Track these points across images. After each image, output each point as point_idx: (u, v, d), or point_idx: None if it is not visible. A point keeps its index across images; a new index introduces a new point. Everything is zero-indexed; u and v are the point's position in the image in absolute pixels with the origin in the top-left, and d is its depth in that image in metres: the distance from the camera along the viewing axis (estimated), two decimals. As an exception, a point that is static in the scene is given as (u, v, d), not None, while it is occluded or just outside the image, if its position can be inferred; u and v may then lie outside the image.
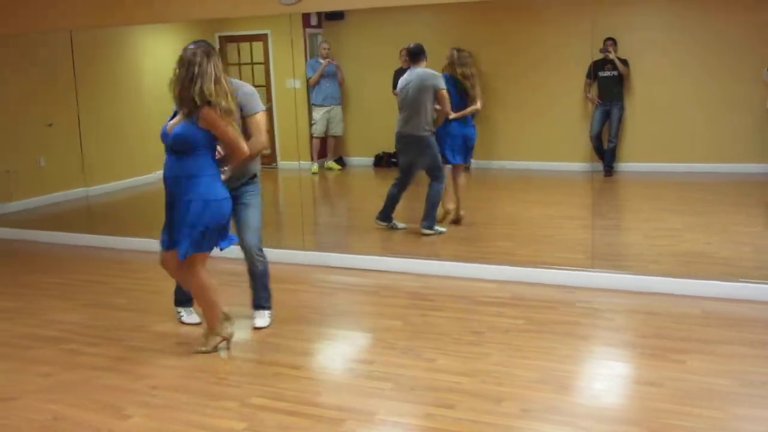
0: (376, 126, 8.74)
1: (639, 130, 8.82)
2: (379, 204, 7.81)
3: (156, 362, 4.83)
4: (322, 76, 9.64)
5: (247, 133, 5.00)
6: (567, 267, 6.12)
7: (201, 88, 4.57)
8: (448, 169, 7.76)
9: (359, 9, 7.27)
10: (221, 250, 4.93)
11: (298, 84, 9.10)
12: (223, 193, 4.74)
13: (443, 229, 7.59)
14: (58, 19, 7.80)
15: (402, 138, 7.53)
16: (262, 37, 10.25)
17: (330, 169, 10.11)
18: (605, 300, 5.68)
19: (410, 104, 7.38)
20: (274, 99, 10.26)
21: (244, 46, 10.58)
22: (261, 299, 5.46)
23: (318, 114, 9.77)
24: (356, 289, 6.37)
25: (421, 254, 6.88)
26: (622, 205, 8.81)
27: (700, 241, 7.03)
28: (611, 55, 8.51)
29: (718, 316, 5.29)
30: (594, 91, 8.90)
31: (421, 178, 7.67)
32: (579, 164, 8.93)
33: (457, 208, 7.89)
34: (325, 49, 9.65)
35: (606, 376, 4.45)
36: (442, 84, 7.37)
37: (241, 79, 10.46)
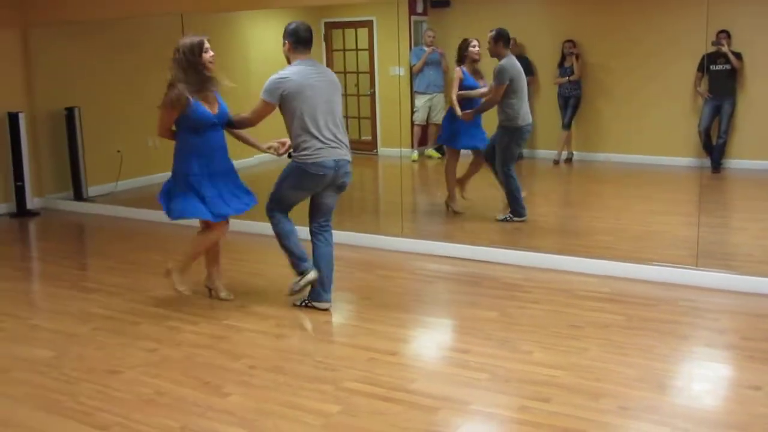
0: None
1: (750, 126, 8.55)
2: (478, 193, 7.79)
3: (255, 342, 4.92)
4: (426, 63, 9.63)
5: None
6: (671, 264, 5.98)
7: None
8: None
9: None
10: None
11: (402, 71, 9.10)
12: None
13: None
14: (170, 3, 7.99)
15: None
16: (368, 24, 10.30)
17: (430, 157, 10.11)
18: (709, 300, 5.53)
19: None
20: (377, 86, 10.31)
21: (349, 32, 10.65)
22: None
23: (420, 101, 9.77)
24: (454, 278, 6.36)
25: (521, 245, 6.82)
26: (730, 203, 8.55)
27: (813, 242, 6.78)
28: (724, 48, 8.26)
29: (830, 320, 5.09)
30: (705, 85, 8.66)
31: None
32: (686, 159, 8.71)
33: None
34: (430, 36, 9.64)
35: (707, 378, 4.34)
36: None
37: (344, 65, 10.65)
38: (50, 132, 9.51)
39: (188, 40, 5.21)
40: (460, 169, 7.96)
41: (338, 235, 7.11)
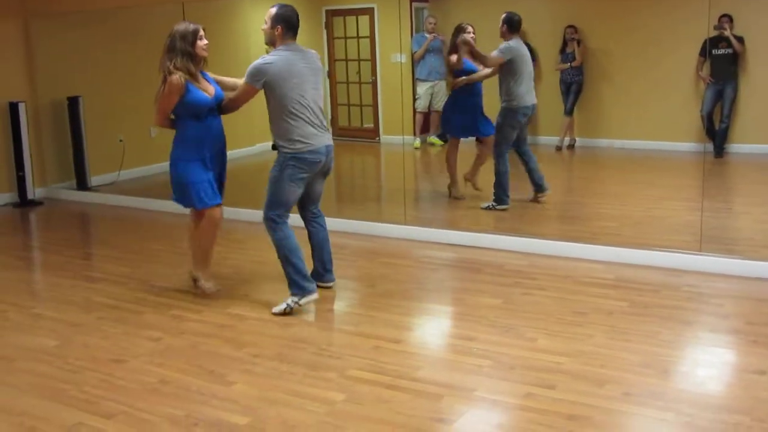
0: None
1: (753, 110, 8.54)
2: (482, 179, 7.79)
3: (258, 331, 4.92)
4: (427, 51, 9.61)
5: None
6: (674, 250, 5.97)
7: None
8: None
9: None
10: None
11: (404, 59, 9.09)
12: None
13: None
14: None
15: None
16: (369, 11, 10.28)
17: (432, 144, 10.10)
18: (713, 285, 5.52)
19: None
20: (379, 73, 10.30)
21: (351, 19, 10.64)
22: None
23: (422, 89, 9.76)
24: (458, 265, 6.35)
25: (524, 232, 6.81)
26: (732, 188, 8.54)
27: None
28: (726, 33, 8.23)
29: (834, 305, 5.09)
30: (707, 70, 8.63)
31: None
32: (689, 144, 8.70)
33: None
34: (431, 23, 9.61)
35: (711, 363, 4.33)
36: None
37: (346, 53, 10.62)
38: (52, 121, 9.50)
39: (183, 26, 5.18)
40: (466, 161, 7.93)
41: (341, 223, 7.18)
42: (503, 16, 7.34)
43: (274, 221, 5.17)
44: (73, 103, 9.31)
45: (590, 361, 4.28)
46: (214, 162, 5.35)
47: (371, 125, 10.64)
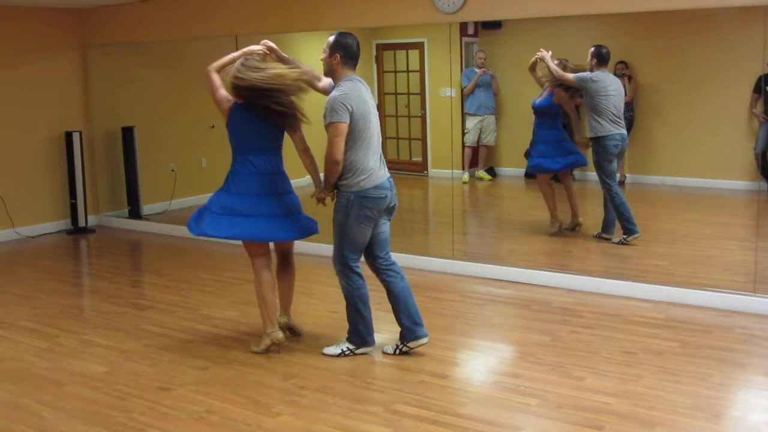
0: (529, 137, 8.62)
1: (809, 149, 8.39)
2: (530, 215, 7.75)
3: (305, 362, 4.92)
4: (476, 85, 9.62)
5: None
6: (726, 290, 5.87)
7: None
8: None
9: (517, 19, 7.22)
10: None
11: (453, 93, 9.10)
12: None
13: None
14: (224, 26, 8.10)
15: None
16: (418, 46, 10.33)
17: (481, 178, 10.07)
18: (767, 327, 5.41)
19: None
20: (428, 107, 10.32)
21: (400, 53, 10.69)
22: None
23: (471, 123, 9.75)
24: (505, 301, 6.31)
25: (573, 269, 6.75)
26: (787, 228, 8.38)
27: None
28: (781, 70, 8.12)
29: None
30: (760, 107, 8.51)
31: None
32: (742, 182, 8.56)
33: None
34: (480, 58, 9.63)
35: (765, 408, 4.24)
36: None
37: (395, 86, 10.67)
38: (106, 151, 9.68)
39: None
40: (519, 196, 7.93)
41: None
42: (591, 49, 7.57)
43: (348, 268, 4.90)
44: (127, 132, 9.47)
45: (639, 402, 4.21)
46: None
47: (419, 159, 10.65)
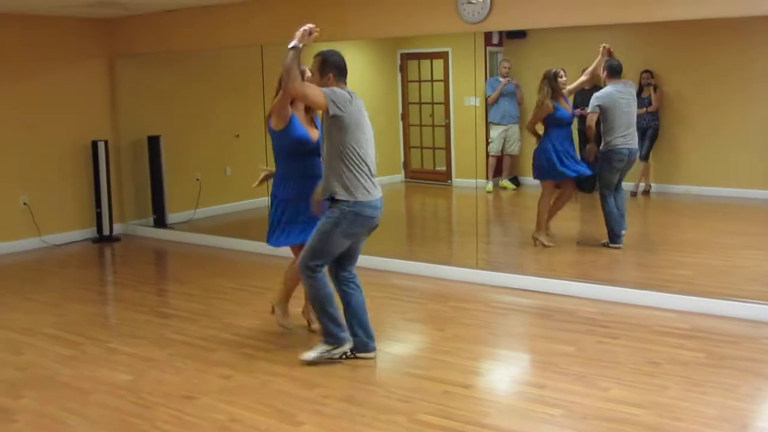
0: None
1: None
2: (553, 224, 7.73)
3: (328, 372, 4.92)
4: (501, 94, 9.63)
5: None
6: (753, 300, 5.81)
7: None
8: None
9: (541, 28, 7.21)
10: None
11: (477, 102, 9.10)
12: None
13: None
14: (251, 35, 8.14)
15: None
16: (443, 55, 10.35)
17: (504, 187, 10.07)
18: (794, 338, 5.36)
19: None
20: (452, 116, 10.34)
21: (425, 63, 10.71)
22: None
23: (495, 132, 9.76)
24: (529, 310, 6.29)
25: (597, 279, 6.72)
26: (815, 238, 8.31)
27: None
28: (810, 79, 8.07)
29: None
30: (788, 117, 8.46)
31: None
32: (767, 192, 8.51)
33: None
34: (505, 68, 9.64)
35: (794, 420, 4.20)
36: None
37: (420, 95, 10.70)
38: (132, 160, 9.75)
39: None
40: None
41: (411, 266, 7.21)
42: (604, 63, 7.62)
43: (312, 270, 4.87)
44: (153, 141, 9.53)
45: (665, 413, 4.18)
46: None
47: (443, 168, 10.67)
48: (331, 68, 4.84)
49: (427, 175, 10.96)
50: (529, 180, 9.55)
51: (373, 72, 10.36)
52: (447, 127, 10.47)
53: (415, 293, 6.71)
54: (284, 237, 5.33)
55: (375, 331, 5.18)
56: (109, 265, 8.59)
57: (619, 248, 7.56)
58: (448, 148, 10.51)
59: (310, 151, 5.22)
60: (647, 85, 8.85)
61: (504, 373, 5.04)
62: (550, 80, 7.54)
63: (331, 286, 5.01)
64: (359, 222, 4.82)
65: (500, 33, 9.44)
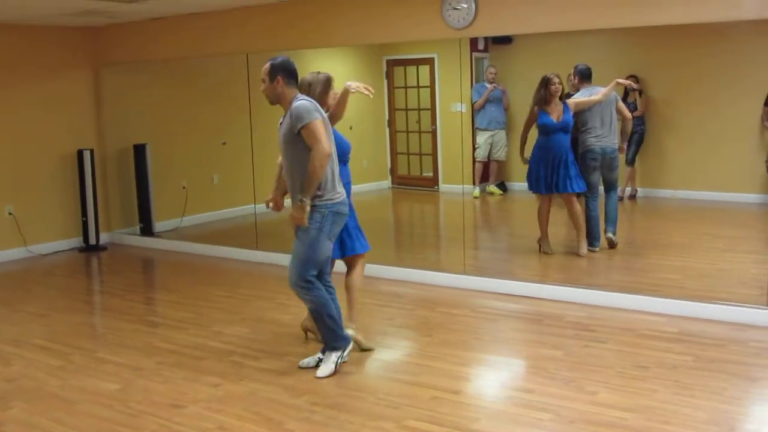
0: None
1: (820, 161, 8.37)
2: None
3: (317, 379, 4.91)
4: (487, 100, 9.63)
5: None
6: (740, 303, 5.84)
7: None
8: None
9: (527, 33, 7.22)
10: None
11: (464, 108, 9.11)
12: None
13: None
14: (236, 44, 8.14)
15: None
16: (429, 61, 10.35)
17: (491, 193, 10.07)
18: (781, 340, 5.39)
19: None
20: (439, 122, 10.33)
21: (411, 69, 10.72)
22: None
23: (482, 138, 9.76)
24: (517, 316, 6.29)
25: (585, 283, 6.73)
26: (801, 240, 8.35)
27: None
28: (793, 82, 8.11)
29: None
30: (772, 120, 8.50)
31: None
32: (754, 195, 8.55)
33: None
34: (491, 73, 9.65)
35: (781, 422, 4.22)
36: None
37: (406, 102, 10.69)
38: (118, 169, 9.72)
39: (318, 76, 5.17)
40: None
41: (399, 272, 7.21)
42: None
43: (310, 282, 4.84)
44: (139, 150, 9.50)
45: (653, 416, 4.19)
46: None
47: (430, 174, 10.66)
48: (279, 71, 4.83)
49: (414, 181, 10.95)
50: (517, 185, 9.59)
51: (359, 79, 10.23)
52: (434, 133, 10.46)
53: (403, 299, 6.71)
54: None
55: (363, 337, 5.19)
56: (96, 275, 8.56)
57: (594, 251, 7.58)
58: (435, 154, 10.51)
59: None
60: (633, 90, 8.88)
61: (492, 379, 5.04)
62: (541, 86, 7.50)
63: (325, 291, 4.99)
64: (339, 221, 4.92)
65: (486, 39, 9.44)
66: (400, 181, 10.93)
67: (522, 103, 7.75)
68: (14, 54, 8.77)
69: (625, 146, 7.87)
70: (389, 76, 10.75)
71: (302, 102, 4.75)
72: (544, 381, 4.75)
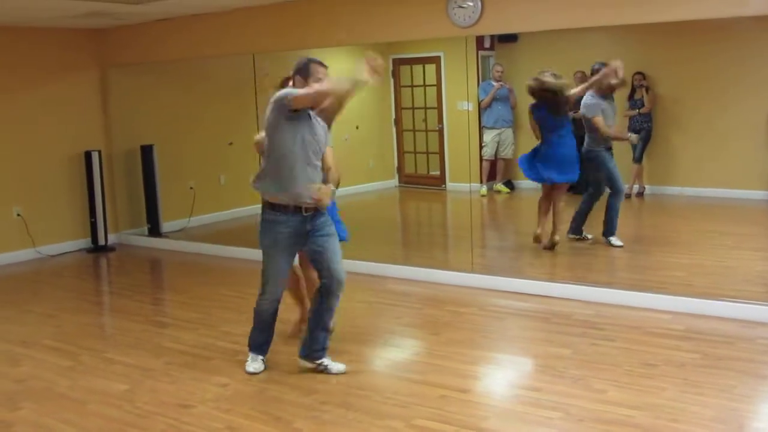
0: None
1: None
2: (548, 228, 7.73)
3: (326, 379, 4.91)
4: (494, 98, 9.64)
5: None
6: (747, 300, 5.83)
7: None
8: None
9: (533, 31, 7.22)
10: None
11: (470, 106, 9.11)
12: None
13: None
14: (242, 44, 8.15)
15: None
16: (435, 60, 10.36)
17: (499, 191, 10.08)
18: (789, 337, 5.37)
19: None
20: (446, 121, 10.34)
21: (417, 68, 10.72)
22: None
23: (489, 136, 9.77)
24: (525, 314, 6.29)
25: (592, 281, 6.72)
26: (809, 237, 8.33)
27: None
28: (800, 79, 8.10)
29: None
30: (779, 117, 8.49)
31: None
32: (762, 192, 8.53)
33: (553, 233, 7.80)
34: (498, 72, 9.66)
35: (790, 419, 4.21)
36: None
37: (413, 100, 10.69)
38: (125, 169, 9.74)
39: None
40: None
41: (407, 271, 7.20)
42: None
43: None
44: (146, 151, 9.52)
45: (662, 414, 4.18)
46: None
47: (437, 173, 10.67)
48: (302, 73, 4.96)
49: (421, 179, 10.97)
50: (524, 183, 9.59)
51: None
52: (440, 131, 10.47)
53: (410, 298, 6.71)
54: None
55: (371, 336, 5.19)
56: (104, 275, 8.58)
57: (577, 239, 7.79)
58: (441, 153, 10.52)
59: None
60: (639, 87, 8.88)
61: (500, 377, 5.04)
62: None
63: None
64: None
65: (492, 37, 9.45)
66: (408, 180, 10.94)
67: (529, 101, 7.75)
68: (22, 57, 8.79)
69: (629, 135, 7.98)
70: (396, 74, 10.76)
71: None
72: (552, 379, 4.75)
